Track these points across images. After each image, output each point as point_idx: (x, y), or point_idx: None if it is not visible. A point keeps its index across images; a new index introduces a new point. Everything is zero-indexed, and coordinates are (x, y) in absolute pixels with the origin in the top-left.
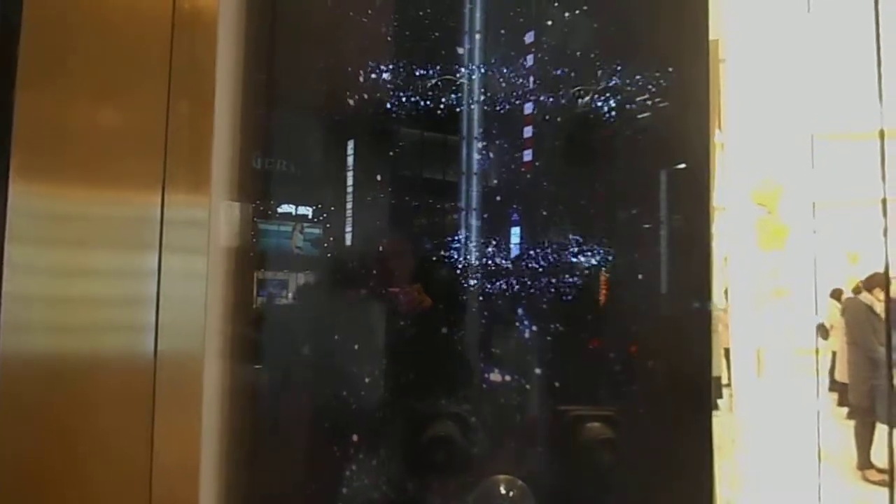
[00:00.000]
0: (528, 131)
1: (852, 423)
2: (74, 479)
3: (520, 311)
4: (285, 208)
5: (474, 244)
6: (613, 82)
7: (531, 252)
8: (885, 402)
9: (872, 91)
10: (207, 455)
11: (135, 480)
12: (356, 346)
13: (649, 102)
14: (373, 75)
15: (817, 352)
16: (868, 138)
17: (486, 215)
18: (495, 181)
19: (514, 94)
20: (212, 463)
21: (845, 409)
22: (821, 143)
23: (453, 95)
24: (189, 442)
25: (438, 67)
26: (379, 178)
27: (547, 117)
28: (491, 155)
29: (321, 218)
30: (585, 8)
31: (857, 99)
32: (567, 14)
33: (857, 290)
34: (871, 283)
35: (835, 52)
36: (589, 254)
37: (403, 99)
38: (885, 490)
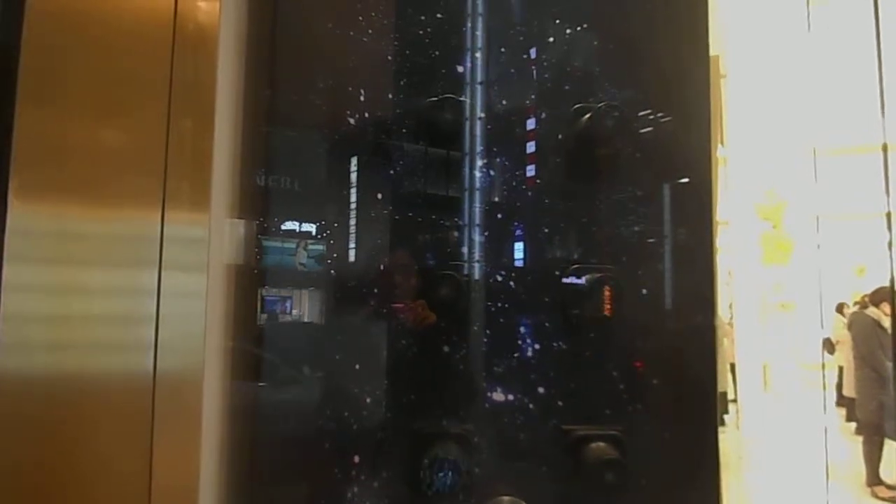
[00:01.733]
0: (530, 147)
1: (860, 438)
2: (73, 498)
3: (523, 328)
4: (288, 225)
5: (478, 260)
6: (615, 98)
7: (534, 268)
8: (893, 418)
9: (875, 105)
10: (207, 475)
11: (133, 500)
12: (359, 363)
13: (651, 118)
14: (374, 93)
15: (823, 367)
16: (873, 151)
17: (488, 232)
18: (497, 198)
19: (516, 110)
20: (211, 483)
21: (853, 425)
22: (826, 158)
23: (455, 112)
24: (188, 462)
25: (440, 85)
26: (381, 195)
27: (549, 133)
28: (493, 171)
29: (325, 235)
30: (586, 25)
31: (860, 113)
32: (568, 31)
33: (863, 305)
34: (877, 298)
35: (836, 67)
36: (592, 270)
37: (405, 116)
38: None
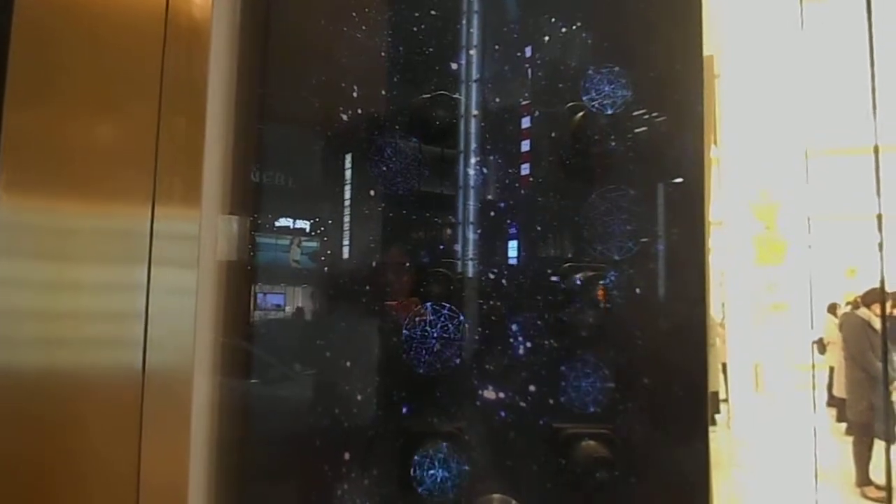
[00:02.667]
0: (523, 146)
1: (850, 438)
2: (61, 494)
3: (515, 325)
4: (280, 222)
5: (471, 258)
6: (608, 97)
7: (527, 267)
8: (883, 418)
9: (867, 106)
10: (196, 471)
11: (122, 498)
12: (351, 360)
13: (645, 117)
14: (367, 89)
15: (813, 367)
16: (861, 153)
17: (480, 230)
18: (490, 196)
19: (509, 109)
20: (200, 481)
21: (844, 425)
22: (819, 159)
23: (448, 109)
24: (177, 458)
25: (434, 82)
26: (374, 192)
27: (542, 132)
28: (486, 170)
29: (318, 232)
30: (580, 24)
31: (853, 113)
32: (562, 30)
33: (855, 305)
34: (868, 299)
35: (829, 65)
36: (585, 268)
37: (398, 113)
38: None
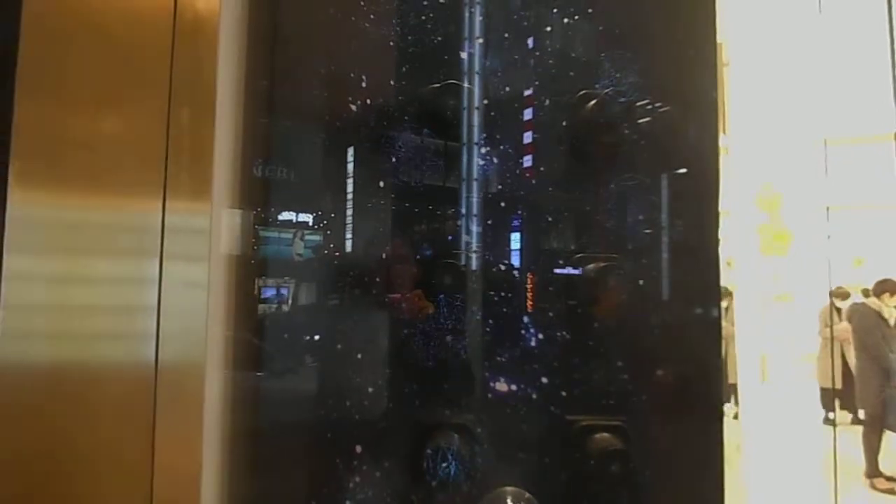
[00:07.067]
0: (532, 136)
1: (854, 428)
2: (73, 492)
3: (525, 318)
4: (289, 216)
5: (476, 250)
6: (619, 86)
7: (535, 258)
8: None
9: (883, 93)
10: (209, 467)
11: (135, 493)
12: (359, 354)
13: (649, 107)
14: (376, 81)
15: (832, 357)
16: (872, 142)
17: (488, 221)
18: (497, 187)
19: (517, 98)
20: (213, 475)
21: (848, 416)
22: (820, 148)
23: (458, 99)
24: (190, 451)
25: (440, 73)
26: (382, 184)
27: (552, 121)
28: (492, 160)
29: (322, 225)
30: (590, 10)
31: (865, 101)
32: (571, 18)
33: (865, 295)
34: (879, 289)
35: (846, 52)
36: (596, 259)
37: (408, 104)
38: (894, 498)
